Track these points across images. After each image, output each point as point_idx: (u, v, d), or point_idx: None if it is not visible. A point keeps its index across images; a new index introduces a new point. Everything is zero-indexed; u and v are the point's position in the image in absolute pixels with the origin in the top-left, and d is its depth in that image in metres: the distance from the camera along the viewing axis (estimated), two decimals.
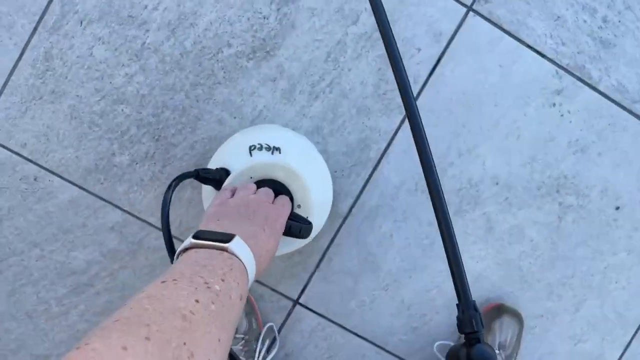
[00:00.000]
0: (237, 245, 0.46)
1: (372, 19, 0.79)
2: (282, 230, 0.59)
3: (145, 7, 0.76)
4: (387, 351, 0.85)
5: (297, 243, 0.70)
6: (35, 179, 0.78)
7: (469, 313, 0.42)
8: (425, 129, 0.82)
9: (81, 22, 0.76)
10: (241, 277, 0.43)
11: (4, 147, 0.77)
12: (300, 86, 0.80)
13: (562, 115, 0.82)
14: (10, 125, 0.77)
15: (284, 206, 0.61)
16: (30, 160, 0.77)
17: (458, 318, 0.44)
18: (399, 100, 0.81)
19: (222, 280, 0.40)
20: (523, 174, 0.83)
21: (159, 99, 0.78)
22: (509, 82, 0.81)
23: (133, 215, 0.80)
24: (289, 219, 0.62)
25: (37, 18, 0.75)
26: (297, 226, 0.64)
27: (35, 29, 0.75)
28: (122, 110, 0.78)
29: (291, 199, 0.68)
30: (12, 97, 0.76)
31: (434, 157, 0.83)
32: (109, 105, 0.78)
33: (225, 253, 0.44)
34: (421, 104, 0.81)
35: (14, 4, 0.75)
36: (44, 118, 0.77)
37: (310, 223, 0.67)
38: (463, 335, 0.46)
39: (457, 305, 0.45)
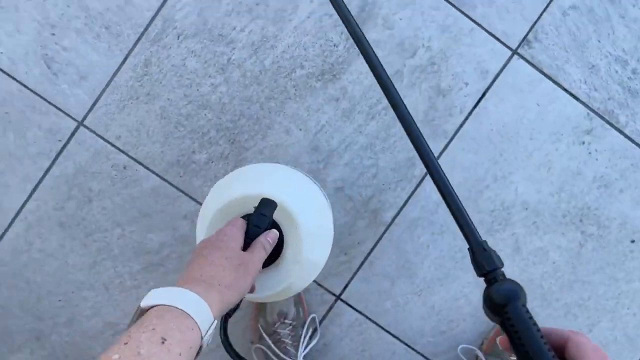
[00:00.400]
0: (150, 296, 0.45)
1: (429, 54, 0.90)
2: (233, 238, 0.57)
3: (234, 28, 0.88)
4: (416, 350, 0.94)
5: (319, 260, 0.70)
6: (124, 168, 0.90)
7: (480, 254, 0.41)
8: (466, 154, 0.93)
9: (178, 36, 0.88)
10: (158, 319, 0.41)
11: (101, 137, 0.89)
12: (360, 107, 0.91)
13: (590, 153, 0.92)
14: (108, 119, 0.89)
15: (232, 224, 0.60)
16: (122, 151, 0.89)
17: (472, 262, 0.42)
18: (445, 127, 0.92)
19: (125, 344, 0.38)
20: (551, 202, 0.93)
21: (238, 108, 0.90)
22: (545, 119, 0.91)
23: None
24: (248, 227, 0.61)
25: (141, 30, 0.88)
26: (254, 217, 0.61)
27: (139, 39, 0.88)
28: (205, 114, 0.90)
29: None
30: (113, 95, 0.88)
31: (472, 181, 0.93)
32: (194, 110, 0.89)
33: (143, 315, 0.43)
34: (465, 131, 0.91)
35: (124, 16, 0.87)
36: (137, 115, 0.89)
37: (265, 202, 0.63)
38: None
39: (468, 249, 0.42)
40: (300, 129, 0.91)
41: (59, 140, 0.88)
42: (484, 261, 0.40)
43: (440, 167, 0.44)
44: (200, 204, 0.91)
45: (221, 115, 0.90)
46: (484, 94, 0.91)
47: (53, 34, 0.86)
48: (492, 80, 0.91)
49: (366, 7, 0.89)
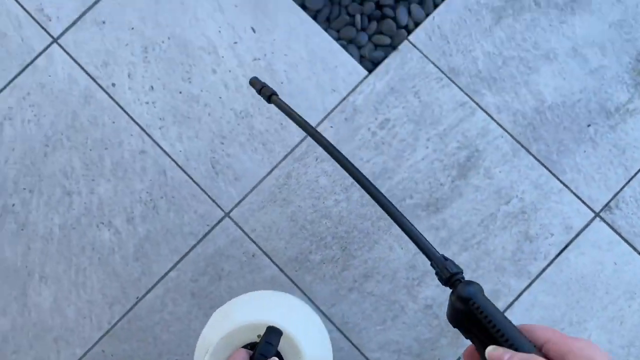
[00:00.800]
0: None
1: (521, 204, 1.06)
2: None
3: (362, 159, 1.09)
4: None
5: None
6: (253, 256, 1.08)
7: (441, 263, 0.43)
8: (546, 296, 1.04)
9: (317, 159, 1.10)
10: None
11: (240, 228, 1.08)
12: (456, 238, 1.07)
13: None
14: (249, 214, 1.09)
15: (234, 358, 0.60)
16: (254, 242, 1.08)
17: (436, 274, 0.44)
18: (529, 268, 1.05)
19: None
20: (621, 354, 1.01)
21: (353, 222, 1.08)
22: (620, 278, 1.03)
23: (310, 300, 1.07)
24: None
25: (289, 149, 1.10)
26: (260, 346, 0.63)
27: (285, 156, 1.10)
28: (325, 223, 1.08)
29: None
30: (257, 197, 1.09)
31: (549, 321, 1.03)
32: (317, 218, 1.08)
33: None
34: (546, 275, 1.04)
35: (278, 137, 1.10)
36: (272, 215, 1.09)
37: (272, 330, 0.65)
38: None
39: (431, 265, 0.45)
40: (402, 248, 1.07)
41: (207, 225, 1.08)
42: (447, 267, 0.44)
43: (392, 204, 0.50)
44: (309, 298, 1.07)
45: (338, 225, 1.08)
46: (566, 246, 1.05)
47: (222, 143, 1.10)
48: (575, 235, 1.05)
49: (472, 157, 1.08)
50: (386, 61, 1.10)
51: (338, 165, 1.10)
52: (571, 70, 1.08)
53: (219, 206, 1.09)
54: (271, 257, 1.08)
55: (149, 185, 1.09)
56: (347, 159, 0.59)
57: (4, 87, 1.11)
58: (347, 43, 1.12)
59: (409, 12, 1.11)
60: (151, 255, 1.08)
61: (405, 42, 1.10)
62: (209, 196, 1.09)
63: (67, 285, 1.07)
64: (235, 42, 1.11)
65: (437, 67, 1.10)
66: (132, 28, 1.11)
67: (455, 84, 1.09)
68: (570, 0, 1.09)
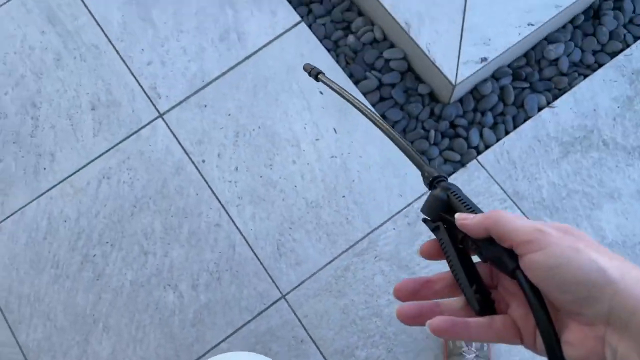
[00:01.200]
0: None
1: None
2: None
3: (419, 264, 1.14)
4: None
5: None
6: (301, 341, 1.12)
7: (429, 169, 0.46)
8: None
9: (375, 257, 1.15)
10: None
11: (293, 311, 1.13)
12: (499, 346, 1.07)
13: None
14: (303, 300, 1.14)
15: None
16: (304, 328, 1.12)
17: (423, 177, 0.47)
18: None
19: None
20: None
21: (402, 325, 1.10)
22: None
23: None
24: None
25: (351, 244, 1.16)
26: None
27: (345, 250, 1.16)
28: (375, 321, 1.12)
29: None
30: (313, 284, 1.15)
31: None
32: (368, 315, 1.12)
33: None
34: None
35: (342, 230, 1.17)
36: (325, 305, 1.13)
37: None
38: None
39: (421, 174, 0.47)
40: None
41: (264, 304, 1.14)
42: (434, 170, 0.46)
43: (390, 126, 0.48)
44: None
45: (388, 326, 1.11)
46: None
47: (290, 228, 1.18)
48: None
49: None
50: (454, 176, 1.17)
51: (395, 267, 1.15)
52: (635, 212, 1.11)
53: (277, 287, 1.15)
54: (318, 345, 1.11)
55: (218, 256, 1.17)
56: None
57: (109, 149, 1.25)
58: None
59: (481, 135, 1.19)
60: (207, 324, 1.14)
61: (474, 161, 1.18)
62: (269, 276, 1.16)
63: (126, 339, 1.14)
64: (317, 139, 1.22)
65: (502, 189, 1.15)
66: (229, 114, 1.25)
67: (518, 207, 1.14)
68: (638, 145, 1.14)
